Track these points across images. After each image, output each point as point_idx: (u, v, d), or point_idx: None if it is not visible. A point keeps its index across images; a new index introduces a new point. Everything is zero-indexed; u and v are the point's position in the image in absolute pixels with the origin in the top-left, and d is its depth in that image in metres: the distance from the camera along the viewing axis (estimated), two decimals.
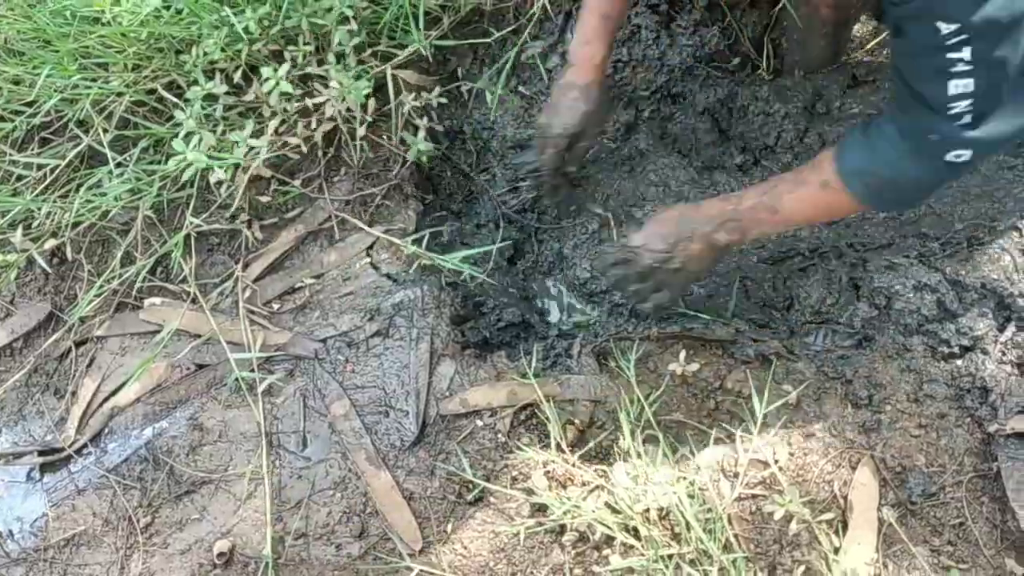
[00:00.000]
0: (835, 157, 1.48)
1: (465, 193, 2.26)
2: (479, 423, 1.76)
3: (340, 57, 2.03)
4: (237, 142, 1.88)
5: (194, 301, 1.98)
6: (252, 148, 1.91)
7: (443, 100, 2.10)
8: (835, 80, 2.12)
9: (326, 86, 1.98)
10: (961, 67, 1.20)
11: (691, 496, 1.54)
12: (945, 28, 1.18)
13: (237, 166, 1.92)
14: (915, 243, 1.85)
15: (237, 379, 1.84)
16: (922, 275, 1.73)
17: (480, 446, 1.73)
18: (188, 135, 1.89)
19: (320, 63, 2.04)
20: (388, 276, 1.97)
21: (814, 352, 1.73)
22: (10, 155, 2.07)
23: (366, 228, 1.99)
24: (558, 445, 1.65)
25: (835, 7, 2.02)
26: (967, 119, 1.25)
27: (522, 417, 1.74)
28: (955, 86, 1.22)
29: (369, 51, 2.06)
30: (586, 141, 1.96)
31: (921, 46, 1.23)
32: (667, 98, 2.20)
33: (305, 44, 1.99)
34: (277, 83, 1.89)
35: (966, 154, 1.29)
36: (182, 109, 1.92)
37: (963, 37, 1.18)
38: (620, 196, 2.11)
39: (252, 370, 1.85)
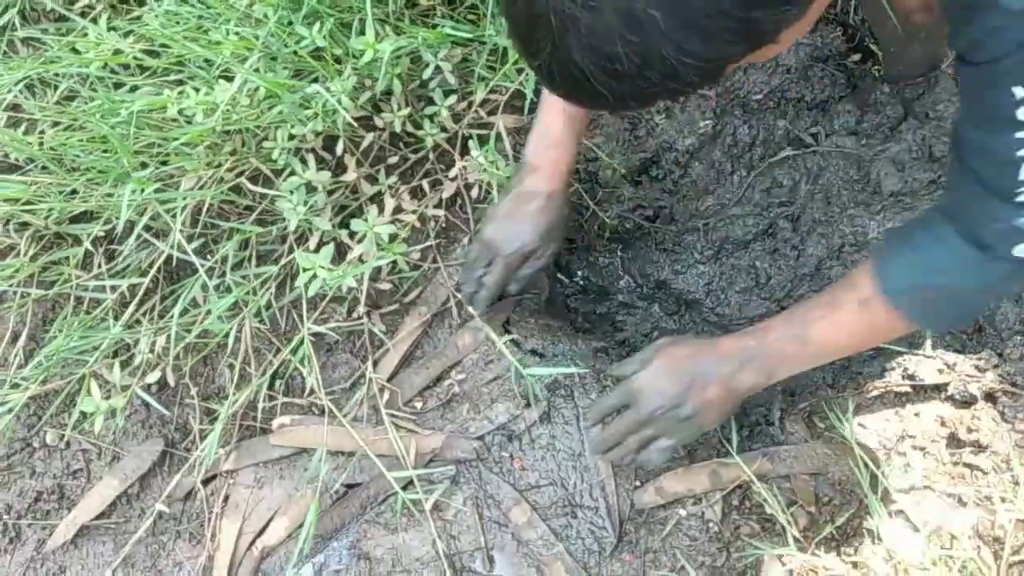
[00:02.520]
0: (875, 270, 1.23)
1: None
2: (682, 513, 1.59)
3: (432, 118, 1.81)
4: (360, 235, 1.65)
5: (323, 413, 1.78)
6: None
7: None
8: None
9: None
10: None
11: (960, 574, 1.40)
12: (1021, 95, 0.95)
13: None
14: None
15: (399, 498, 1.65)
16: None
17: (691, 540, 1.57)
18: (301, 235, 1.67)
19: (415, 124, 1.81)
20: (534, 352, 1.78)
21: None
22: (77, 277, 1.83)
23: None
24: (792, 535, 1.49)
25: (927, 9, 1.82)
26: None
27: (734, 502, 1.58)
28: None
29: (464, 102, 1.84)
30: (541, 259, 1.69)
31: (991, 116, 1.00)
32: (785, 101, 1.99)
33: (399, 109, 1.76)
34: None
35: None
36: (288, 201, 1.68)
37: None
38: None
39: (413, 485, 1.66)
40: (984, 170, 1.05)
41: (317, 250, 1.70)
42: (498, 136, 1.80)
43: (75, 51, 1.81)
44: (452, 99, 1.78)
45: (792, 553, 1.48)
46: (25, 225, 1.85)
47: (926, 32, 1.86)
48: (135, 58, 1.78)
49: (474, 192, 1.82)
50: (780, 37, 0.93)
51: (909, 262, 1.20)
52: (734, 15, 0.86)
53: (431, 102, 1.79)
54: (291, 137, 1.72)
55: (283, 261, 1.80)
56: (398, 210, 1.80)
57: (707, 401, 1.40)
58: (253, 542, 1.71)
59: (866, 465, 1.51)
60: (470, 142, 1.76)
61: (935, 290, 1.18)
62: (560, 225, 1.69)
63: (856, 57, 1.97)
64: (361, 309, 1.79)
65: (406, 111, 1.77)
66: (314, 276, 1.59)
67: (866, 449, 1.54)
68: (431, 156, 1.84)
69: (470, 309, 1.75)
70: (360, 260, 1.71)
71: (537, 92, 1.90)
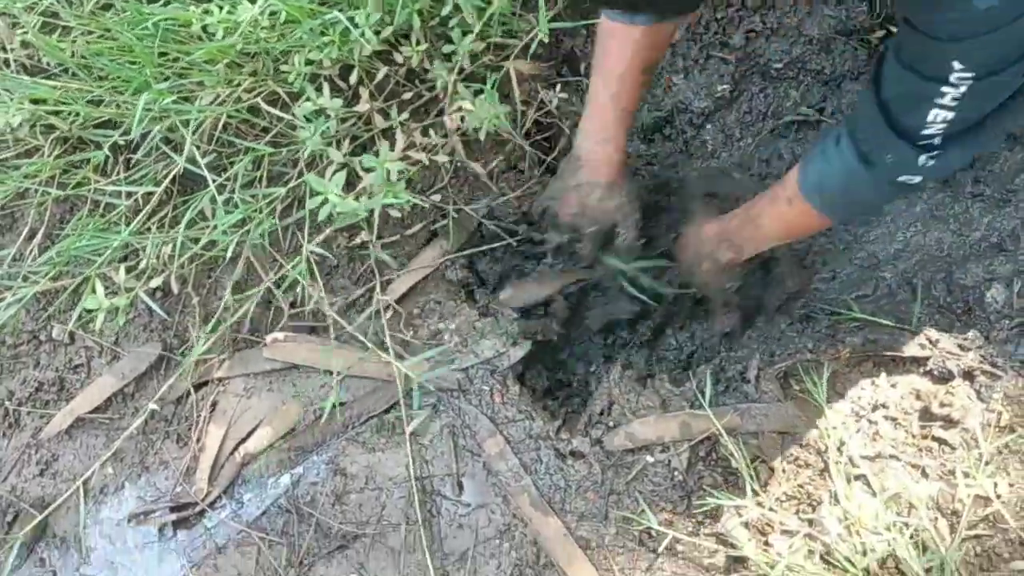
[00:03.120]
0: (798, 171, 1.46)
1: None
2: (650, 459, 1.62)
3: (450, 56, 1.83)
4: (371, 169, 1.68)
5: (314, 331, 1.83)
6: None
7: (563, 95, 1.90)
8: None
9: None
10: (950, 101, 1.11)
11: (913, 541, 1.41)
12: (959, 67, 1.06)
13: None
14: None
15: (380, 419, 1.70)
16: None
17: (655, 486, 1.60)
18: (312, 162, 1.71)
19: (431, 59, 1.84)
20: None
21: (1020, 362, 1.57)
22: (96, 182, 1.89)
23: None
24: (751, 488, 1.51)
25: None
26: (931, 149, 1.20)
27: (700, 453, 1.61)
28: (935, 115, 1.14)
29: (482, 43, 1.86)
30: (629, 231, 1.78)
31: (924, 75, 1.12)
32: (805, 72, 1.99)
33: (418, 44, 1.79)
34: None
35: (917, 179, 1.26)
36: (303, 127, 1.73)
37: (970, 80, 1.07)
38: None
39: (396, 408, 1.71)
40: (898, 103, 1.19)
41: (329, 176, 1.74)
42: (506, 79, 1.82)
43: None
44: (469, 39, 1.80)
45: (749, 506, 1.50)
46: (51, 128, 1.91)
47: None
48: None
49: (481, 135, 1.84)
50: None
51: (818, 168, 1.42)
52: None
53: (449, 40, 1.82)
54: (308, 63, 1.77)
55: (292, 184, 1.84)
56: (410, 146, 1.83)
57: (705, 274, 1.74)
58: (236, 448, 1.77)
59: (835, 429, 1.52)
60: (460, 86, 1.78)
61: (833, 191, 1.41)
62: (630, 201, 1.76)
63: (880, 33, 1.95)
64: (365, 236, 1.84)
65: (424, 47, 1.80)
66: (325, 200, 1.63)
67: (837, 414, 1.55)
68: (443, 96, 1.87)
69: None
70: (368, 192, 1.75)
71: (558, 45, 1.94)
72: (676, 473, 1.59)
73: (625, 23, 1.53)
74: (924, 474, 1.49)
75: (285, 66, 1.78)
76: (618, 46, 1.57)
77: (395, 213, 1.82)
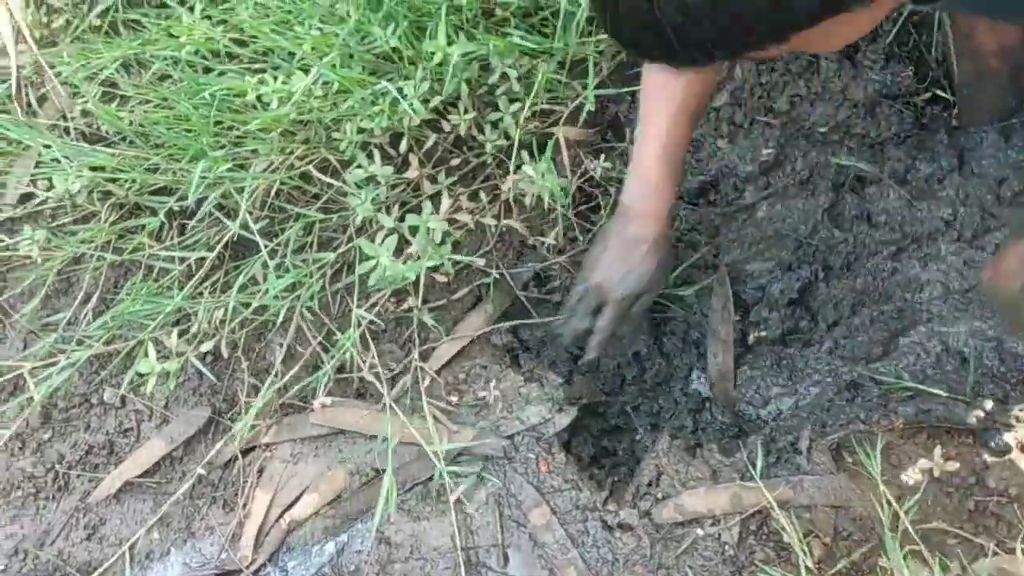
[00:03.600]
0: None
1: None
2: (700, 532, 1.60)
3: (496, 124, 1.86)
4: (416, 228, 1.70)
5: (362, 396, 1.84)
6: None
7: (607, 164, 1.91)
8: None
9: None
10: None
11: None
12: None
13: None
14: None
15: (425, 486, 1.70)
16: None
17: (705, 561, 1.57)
18: (362, 227, 1.73)
19: (479, 127, 1.87)
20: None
21: None
22: (150, 247, 1.93)
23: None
24: (805, 565, 1.48)
25: (1003, 55, 1.79)
26: None
27: (751, 527, 1.58)
28: None
29: (527, 110, 1.88)
30: (650, 296, 1.71)
31: None
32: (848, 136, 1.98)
33: (466, 113, 1.82)
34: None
35: None
36: (353, 194, 1.76)
37: None
38: None
39: (440, 477, 1.70)
40: None
41: (380, 241, 1.77)
42: (556, 146, 1.84)
43: (171, 35, 1.92)
44: (516, 106, 1.82)
45: None
46: (108, 194, 1.96)
47: (1001, 78, 1.83)
48: (224, 46, 1.89)
49: (527, 200, 1.85)
50: None
51: None
52: None
53: (496, 108, 1.84)
54: (360, 131, 1.80)
55: (341, 249, 1.87)
56: (456, 209, 1.85)
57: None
58: (282, 514, 1.77)
59: (889, 503, 1.49)
60: (523, 152, 1.80)
61: None
62: (667, 264, 1.72)
63: (926, 96, 1.95)
64: (412, 301, 1.85)
65: (471, 115, 1.82)
66: (376, 265, 1.65)
67: (891, 487, 1.52)
68: (491, 161, 1.89)
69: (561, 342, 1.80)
70: (416, 256, 1.77)
71: (602, 111, 1.96)
72: (727, 547, 1.56)
73: (667, 72, 1.51)
74: (982, 550, 1.45)
75: (337, 134, 1.81)
76: (662, 95, 1.57)
77: (441, 278, 1.84)
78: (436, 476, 1.69)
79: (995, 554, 1.44)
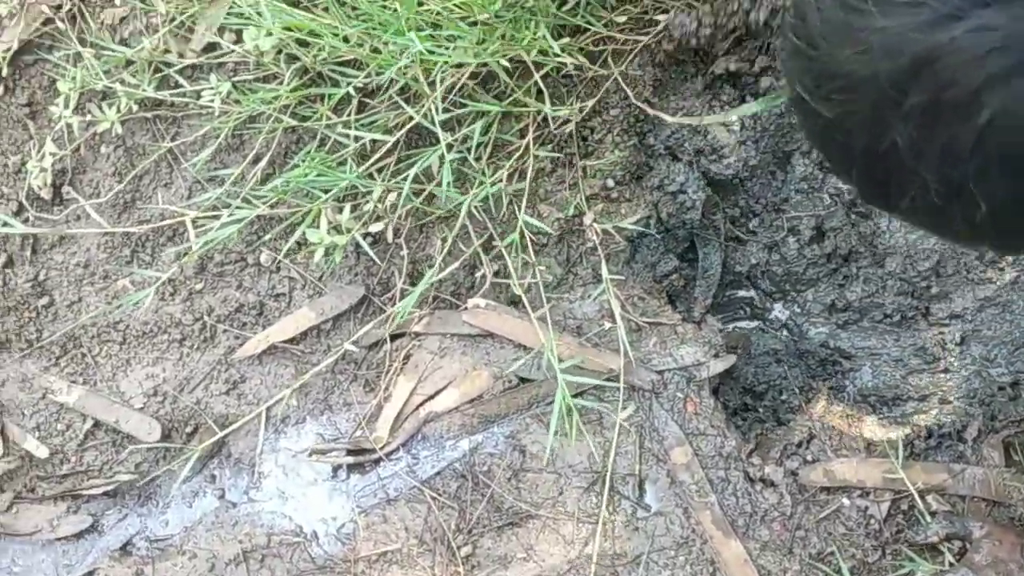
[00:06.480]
0: None
1: None
2: (845, 502, 1.57)
3: None
4: None
5: (513, 303, 1.83)
6: None
7: None
8: None
9: None
10: None
11: None
12: None
13: None
14: None
15: (569, 403, 1.69)
16: None
17: (847, 531, 1.55)
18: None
19: None
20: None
21: None
22: (328, 119, 1.92)
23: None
24: (950, 561, 1.45)
25: None
26: None
27: (902, 506, 1.55)
28: None
29: None
30: None
31: None
32: None
33: None
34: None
35: None
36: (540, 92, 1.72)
37: None
38: None
39: (584, 395, 1.69)
40: None
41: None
42: None
43: None
44: None
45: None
46: (293, 58, 1.94)
47: None
48: None
49: None
50: None
51: None
52: None
53: None
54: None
55: (516, 155, 1.84)
56: None
57: None
58: (422, 404, 1.79)
59: None
60: None
61: None
62: None
63: None
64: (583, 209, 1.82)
65: None
66: None
67: None
68: None
69: None
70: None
71: None
72: (873, 521, 1.54)
73: None
74: None
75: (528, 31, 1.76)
76: None
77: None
78: (581, 395, 1.68)
79: None
